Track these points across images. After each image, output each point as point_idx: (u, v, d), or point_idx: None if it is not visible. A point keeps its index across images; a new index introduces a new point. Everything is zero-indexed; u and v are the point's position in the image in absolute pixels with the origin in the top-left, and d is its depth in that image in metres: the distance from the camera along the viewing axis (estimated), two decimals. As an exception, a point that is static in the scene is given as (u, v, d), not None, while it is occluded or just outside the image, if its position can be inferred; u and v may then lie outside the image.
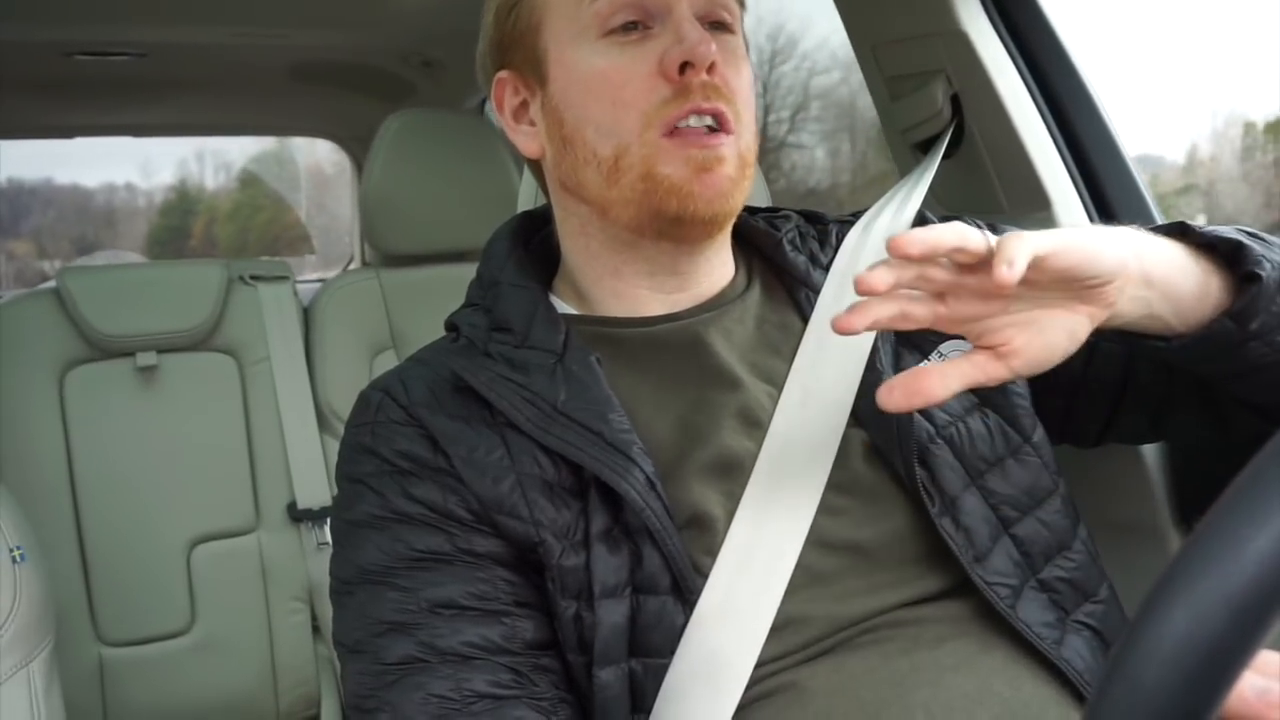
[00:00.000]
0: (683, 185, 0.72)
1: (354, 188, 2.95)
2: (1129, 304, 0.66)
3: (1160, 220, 1.11)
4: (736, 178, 0.74)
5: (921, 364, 0.78)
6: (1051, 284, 0.62)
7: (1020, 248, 0.58)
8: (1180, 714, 0.32)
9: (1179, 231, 0.71)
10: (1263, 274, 0.67)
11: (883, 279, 0.58)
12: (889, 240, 0.57)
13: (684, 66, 0.71)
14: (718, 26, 0.75)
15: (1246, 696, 0.41)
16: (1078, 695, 0.69)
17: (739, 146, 0.74)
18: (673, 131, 0.72)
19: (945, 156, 1.09)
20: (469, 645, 0.66)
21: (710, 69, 0.72)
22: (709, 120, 0.72)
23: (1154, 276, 0.66)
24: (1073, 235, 0.62)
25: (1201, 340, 0.69)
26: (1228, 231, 0.71)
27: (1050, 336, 0.64)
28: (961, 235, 0.58)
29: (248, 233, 5.12)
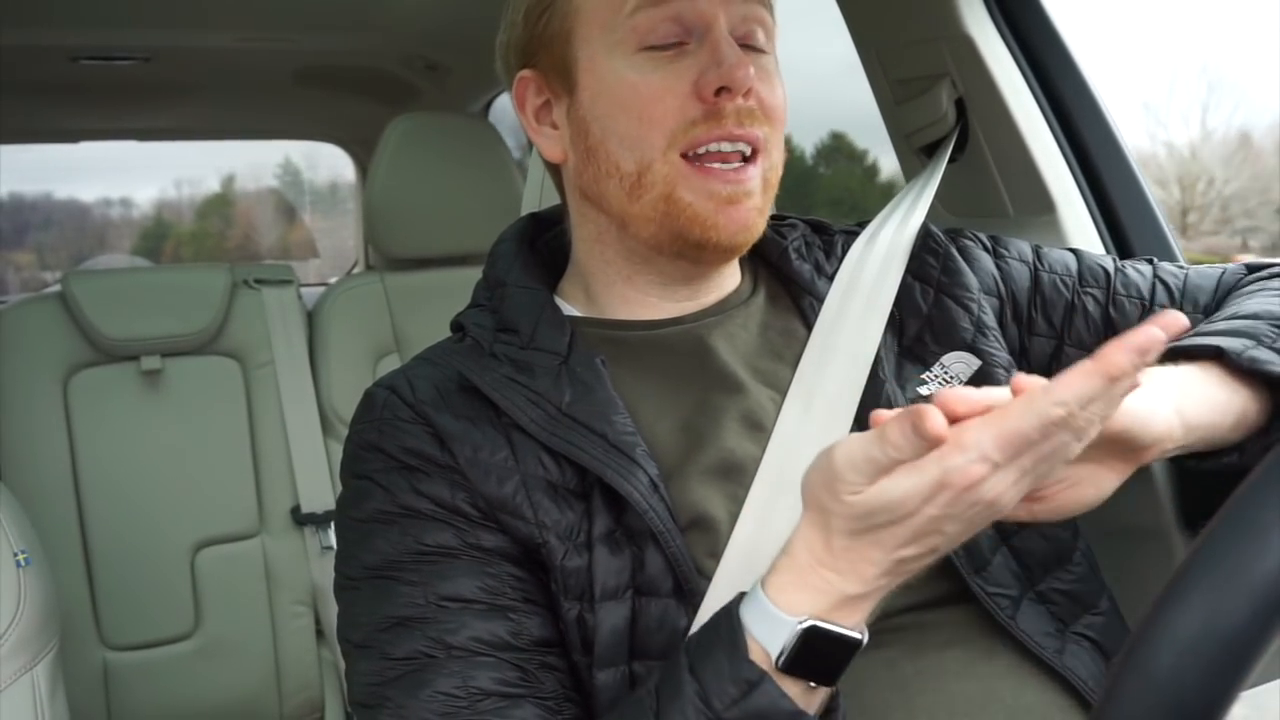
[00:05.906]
0: (706, 217, 0.72)
1: (358, 192, 2.95)
2: (1165, 454, 0.64)
3: (1163, 221, 1.12)
4: (761, 207, 0.74)
5: (922, 374, 0.78)
6: (1100, 441, 0.58)
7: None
8: (1196, 705, 0.31)
9: (1215, 354, 0.68)
10: None
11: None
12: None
13: (720, 90, 0.71)
14: (751, 49, 0.74)
15: None
16: (1081, 702, 0.69)
17: (764, 169, 0.74)
18: (695, 157, 0.71)
19: (950, 160, 1.09)
20: (476, 641, 0.65)
21: (746, 93, 0.71)
22: (742, 146, 0.72)
23: (1193, 423, 0.64)
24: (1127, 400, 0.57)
25: (1234, 455, 0.68)
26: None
27: (1080, 490, 0.62)
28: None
29: (201, 253, 7.86)
